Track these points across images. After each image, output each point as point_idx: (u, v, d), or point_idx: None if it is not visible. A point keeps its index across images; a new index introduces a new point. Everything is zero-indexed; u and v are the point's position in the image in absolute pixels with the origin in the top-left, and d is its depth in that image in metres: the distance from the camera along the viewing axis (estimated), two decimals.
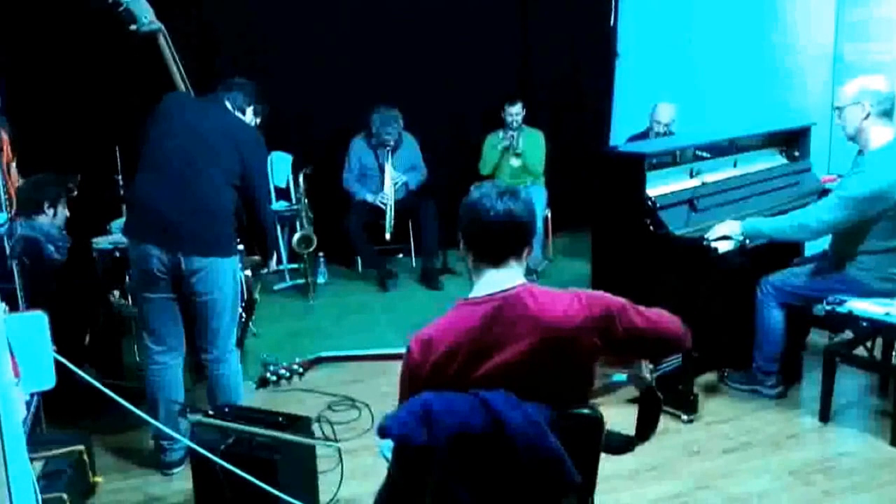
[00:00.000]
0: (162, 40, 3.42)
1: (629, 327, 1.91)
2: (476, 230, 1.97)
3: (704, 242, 3.53)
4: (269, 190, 4.11)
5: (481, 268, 1.98)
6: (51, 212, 3.81)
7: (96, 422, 3.45)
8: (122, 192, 4.51)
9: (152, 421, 2.92)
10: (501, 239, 1.95)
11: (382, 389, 3.90)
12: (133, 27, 3.36)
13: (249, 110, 3.41)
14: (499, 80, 6.28)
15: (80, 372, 2.24)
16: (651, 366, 2.18)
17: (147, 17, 3.36)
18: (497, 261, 1.96)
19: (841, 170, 3.92)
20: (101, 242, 4.20)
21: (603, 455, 1.98)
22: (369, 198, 5.77)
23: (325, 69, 5.82)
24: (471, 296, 1.97)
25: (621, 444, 2.07)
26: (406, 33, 5.97)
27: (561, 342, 1.87)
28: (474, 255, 1.99)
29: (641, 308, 1.96)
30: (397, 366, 2.02)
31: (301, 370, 4.10)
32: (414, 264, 6.06)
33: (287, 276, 5.77)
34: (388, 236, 5.71)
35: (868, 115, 3.36)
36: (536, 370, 1.87)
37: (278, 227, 5.67)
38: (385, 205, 5.70)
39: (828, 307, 3.50)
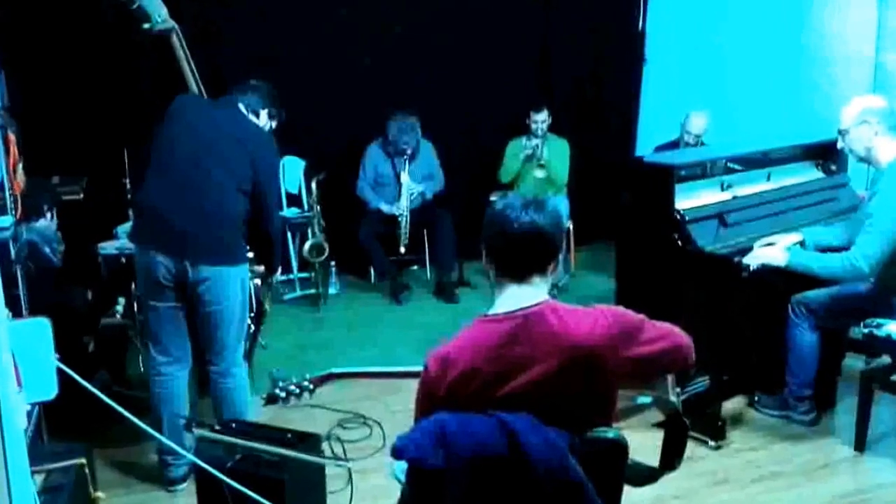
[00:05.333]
0: (175, 40, 3.39)
1: (648, 344, 1.86)
2: (499, 243, 1.91)
3: (744, 274, 3.41)
4: (279, 198, 4.02)
5: (504, 282, 1.92)
6: (48, 215, 3.83)
7: (98, 434, 3.34)
8: (129, 196, 4.45)
9: (156, 434, 2.84)
10: (525, 253, 1.89)
11: (395, 407, 3.86)
12: (146, 26, 3.32)
13: (264, 113, 3.33)
14: (519, 85, 6.16)
15: (83, 382, 2.15)
16: (678, 388, 2.11)
17: (161, 16, 3.33)
18: (520, 276, 1.90)
19: None
20: (107, 248, 4.13)
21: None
22: (384, 207, 5.67)
23: (341, 72, 5.73)
24: (491, 312, 1.91)
25: (645, 477, 2.00)
26: (424, 37, 5.88)
27: (585, 362, 1.80)
28: (497, 269, 1.93)
29: (657, 322, 1.92)
30: (410, 383, 1.99)
31: (311, 387, 4.00)
32: (429, 276, 5.94)
33: (297, 286, 5.68)
34: (402, 248, 5.60)
35: (877, 133, 3.39)
36: (560, 391, 1.81)
37: (289, 235, 5.60)
38: (400, 215, 5.60)
39: (865, 330, 3.41)
